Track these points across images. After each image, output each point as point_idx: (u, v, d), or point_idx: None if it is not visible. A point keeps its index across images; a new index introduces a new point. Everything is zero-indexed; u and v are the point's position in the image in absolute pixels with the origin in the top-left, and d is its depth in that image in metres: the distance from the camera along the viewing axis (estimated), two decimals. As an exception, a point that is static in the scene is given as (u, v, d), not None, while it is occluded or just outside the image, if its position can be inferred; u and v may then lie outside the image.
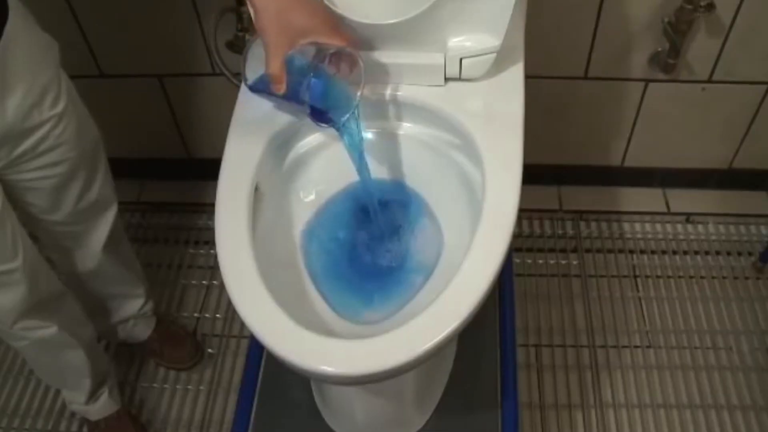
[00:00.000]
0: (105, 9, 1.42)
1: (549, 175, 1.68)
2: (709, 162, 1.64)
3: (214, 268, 1.65)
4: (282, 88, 0.89)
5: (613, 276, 1.59)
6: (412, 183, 1.08)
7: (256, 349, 1.35)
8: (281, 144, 1.03)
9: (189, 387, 1.48)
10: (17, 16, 0.92)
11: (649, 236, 1.65)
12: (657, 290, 1.57)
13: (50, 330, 1.15)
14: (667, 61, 1.37)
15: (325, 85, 0.92)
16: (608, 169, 1.67)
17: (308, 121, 0.96)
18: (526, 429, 1.38)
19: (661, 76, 1.44)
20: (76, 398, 1.33)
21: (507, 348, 1.32)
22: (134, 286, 1.39)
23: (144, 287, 1.41)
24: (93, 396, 1.33)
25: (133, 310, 1.41)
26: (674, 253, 1.63)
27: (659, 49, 1.39)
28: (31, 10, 0.96)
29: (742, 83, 1.46)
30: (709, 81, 1.46)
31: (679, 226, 1.67)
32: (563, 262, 1.62)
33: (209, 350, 1.53)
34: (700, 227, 1.67)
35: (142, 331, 1.46)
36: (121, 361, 1.52)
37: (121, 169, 1.75)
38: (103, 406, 1.36)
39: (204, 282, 1.63)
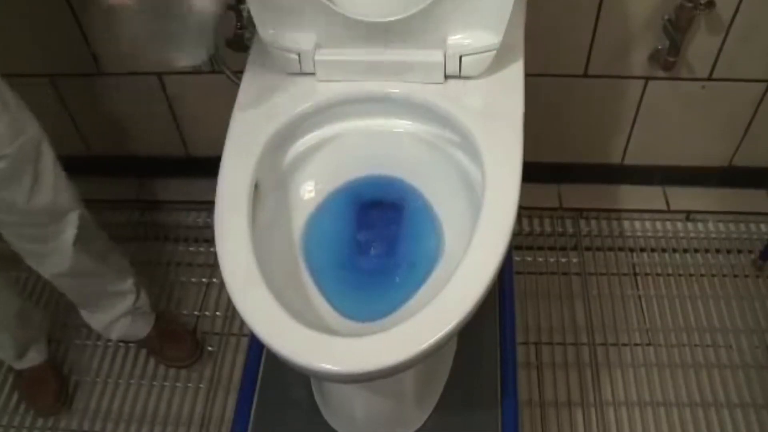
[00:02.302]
0: (104, 6, 1.41)
1: (549, 172, 1.68)
2: (709, 160, 1.64)
3: (213, 266, 1.64)
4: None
5: (613, 274, 1.59)
6: (411, 180, 1.08)
7: (256, 347, 1.35)
8: (281, 142, 1.03)
9: (189, 385, 1.48)
10: None
11: (649, 234, 1.65)
12: (657, 288, 1.57)
13: None
14: (667, 59, 1.37)
15: None
16: (608, 167, 1.67)
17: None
18: (526, 427, 1.38)
19: (661, 73, 1.44)
20: (1, 354, 1.41)
21: (507, 346, 1.32)
22: (120, 282, 1.39)
23: (131, 281, 1.41)
24: (19, 355, 1.42)
25: (126, 306, 1.41)
26: (674, 251, 1.63)
27: (659, 47, 1.39)
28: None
29: (742, 81, 1.45)
30: (709, 79, 1.45)
31: (679, 224, 1.67)
32: (563, 260, 1.62)
33: (209, 347, 1.53)
34: (700, 225, 1.67)
35: (141, 328, 1.47)
36: (121, 359, 1.53)
37: (121, 167, 1.77)
38: (29, 359, 1.43)
39: (204, 280, 1.63)
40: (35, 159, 1.12)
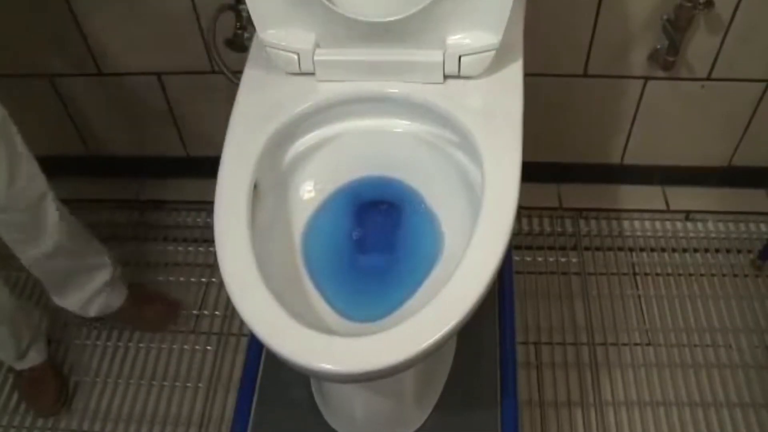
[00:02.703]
0: (104, 7, 1.42)
1: (548, 172, 1.68)
2: (708, 160, 1.64)
3: (213, 266, 1.65)
4: None
5: (612, 274, 1.59)
6: (411, 180, 1.08)
7: (256, 346, 1.35)
8: (281, 142, 1.03)
9: (188, 384, 1.48)
10: None
11: (649, 234, 1.66)
12: (656, 288, 1.57)
13: None
14: (667, 59, 1.37)
15: None
16: (608, 167, 1.67)
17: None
18: (526, 427, 1.38)
19: (660, 73, 1.44)
20: (1, 355, 1.41)
21: (506, 346, 1.32)
22: (98, 255, 1.42)
23: (107, 254, 1.44)
24: (20, 355, 1.42)
25: (104, 278, 1.44)
26: (674, 250, 1.63)
27: (658, 47, 1.39)
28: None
29: (742, 81, 1.46)
30: (709, 78, 1.46)
31: (679, 224, 1.67)
32: (563, 259, 1.62)
33: (208, 347, 1.53)
34: (699, 225, 1.67)
35: (116, 299, 1.49)
36: (120, 359, 1.53)
37: (120, 167, 1.77)
38: (29, 359, 1.44)
39: (203, 280, 1.64)
40: (8, 146, 1.14)
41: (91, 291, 1.44)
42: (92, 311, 1.48)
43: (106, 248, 1.45)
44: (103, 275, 1.43)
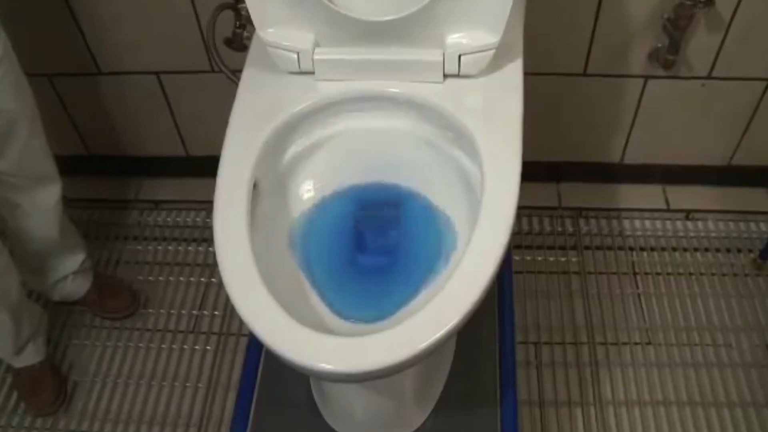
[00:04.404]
0: (103, 6, 1.42)
1: (548, 171, 1.68)
2: (708, 158, 1.64)
3: (212, 266, 1.65)
4: None
5: (612, 273, 1.59)
6: (410, 180, 1.08)
7: (255, 346, 1.36)
8: (280, 141, 1.03)
9: (188, 384, 1.49)
10: None
11: (649, 233, 1.66)
12: (657, 287, 1.57)
13: None
14: (667, 58, 1.37)
15: None
16: (608, 166, 1.67)
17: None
18: (526, 426, 1.38)
19: (660, 72, 1.44)
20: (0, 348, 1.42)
21: (506, 345, 1.32)
22: (75, 243, 1.48)
23: (83, 245, 1.50)
24: (18, 350, 1.42)
25: (74, 265, 1.49)
26: (674, 250, 1.63)
27: (659, 45, 1.39)
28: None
29: (742, 79, 1.46)
30: (709, 77, 1.46)
31: (679, 223, 1.67)
32: (562, 259, 1.62)
33: (207, 346, 1.53)
34: (699, 224, 1.67)
35: (81, 285, 1.53)
36: (120, 359, 1.53)
37: (119, 167, 1.77)
38: (27, 356, 1.44)
39: (203, 279, 1.64)
40: (31, 124, 1.24)
41: (59, 275, 1.48)
42: (56, 296, 1.53)
43: (83, 241, 1.51)
44: (75, 261, 1.48)
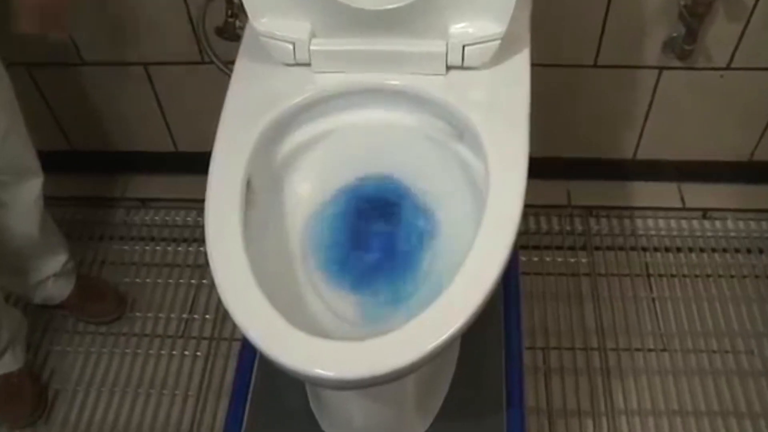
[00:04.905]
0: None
1: (557, 168, 1.69)
2: (727, 154, 1.64)
3: (202, 267, 1.65)
4: None
5: (624, 275, 1.60)
6: (412, 177, 1.08)
7: (249, 351, 1.36)
8: (275, 136, 1.04)
9: (177, 392, 1.49)
10: None
11: (663, 233, 1.66)
12: (672, 290, 1.57)
13: None
14: (683, 47, 1.38)
15: None
16: (620, 163, 1.68)
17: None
18: (533, 436, 1.39)
19: (676, 63, 1.45)
20: None
21: (513, 351, 1.33)
22: (57, 243, 1.48)
23: (65, 245, 1.50)
24: None
25: (56, 266, 1.49)
26: (690, 250, 1.63)
27: (674, 35, 1.40)
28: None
29: (765, 70, 1.46)
30: (729, 68, 1.46)
31: (695, 222, 1.68)
32: (572, 260, 1.63)
33: (198, 352, 1.54)
34: (717, 223, 1.67)
35: (63, 287, 1.53)
36: (105, 365, 1.53)
37: (104, 163, 1.78)
38: (5, 363, 1.43)
39: (193, 281, 1.64)
40: (10, 114, 1.25)
41: (41, 276, 1.48)
42: (37, 298, 1.53)
43: (66, 241, 1.50)
44: (57, 262, 1.49)
